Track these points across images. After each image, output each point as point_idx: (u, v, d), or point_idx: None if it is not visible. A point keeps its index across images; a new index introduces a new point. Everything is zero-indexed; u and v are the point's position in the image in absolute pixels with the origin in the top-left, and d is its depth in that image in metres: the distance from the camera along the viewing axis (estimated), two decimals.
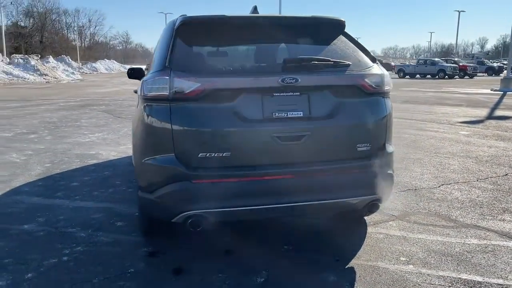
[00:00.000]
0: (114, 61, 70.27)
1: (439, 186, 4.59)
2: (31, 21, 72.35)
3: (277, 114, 2.64)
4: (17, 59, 34.58)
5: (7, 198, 4.26)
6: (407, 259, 2.91)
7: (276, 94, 2.65)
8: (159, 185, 2.63)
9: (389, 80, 2.98)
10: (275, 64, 2.78)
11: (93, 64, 61.38)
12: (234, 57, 2.94)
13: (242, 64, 2.87)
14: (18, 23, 68.49)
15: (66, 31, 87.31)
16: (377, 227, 3.46)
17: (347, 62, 2.81)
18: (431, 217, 3.70)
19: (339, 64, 2.78)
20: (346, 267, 2.81)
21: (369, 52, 3.01)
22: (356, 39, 3.13)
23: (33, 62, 34.46)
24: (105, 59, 69.06)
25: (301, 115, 2.68)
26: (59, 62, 46.94)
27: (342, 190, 2.73)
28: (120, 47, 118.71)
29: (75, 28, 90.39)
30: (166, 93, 2.57)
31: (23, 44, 62.17)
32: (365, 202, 2.85)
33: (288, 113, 2.66)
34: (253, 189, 2.61)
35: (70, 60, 56.00)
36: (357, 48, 3.02)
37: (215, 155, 2.57)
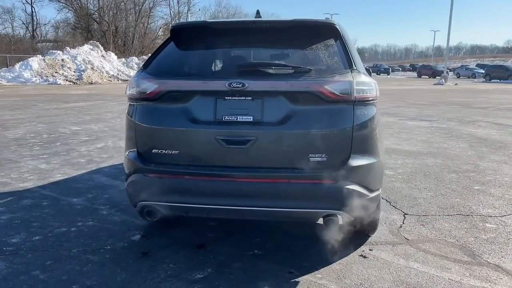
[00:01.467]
0: None
1: (502, 216, 3.88)
2: None
3: (226, 118, 2.69)
4: None
5: (87, 176, 5.12)
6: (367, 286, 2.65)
7: (228, 98, 2.70)
8: (127, 176, 2.95)
9: (368, 88, 2.73)
10: (230, 68, 2.80)
11: None
12: (202, 61, 3.03)
13: (203, 68, 2.96)
14: None
15: None
16: (372, 247, 3.17)
17: (307, 68, 2.68)
18: (450, 248, 3.20)
19: (297, 70, 2.67)
20: (292, 280, 2.70)
21: (349, 57, 2.79)
22: (347, 42, 2.93)
23: None
24: None
25: (251, 119, 2.67)
26: None
27: (288, 199, 2.63)
28: None
29: None
30: (134, 93, 2.87)
31: None
32: (318, 215, 2.69)
33: (238, 117, 2.68)
34: (195, 188, 2.71)
35: None
36: (338, 53, 2.84)
37: (165, 152, 2.77)
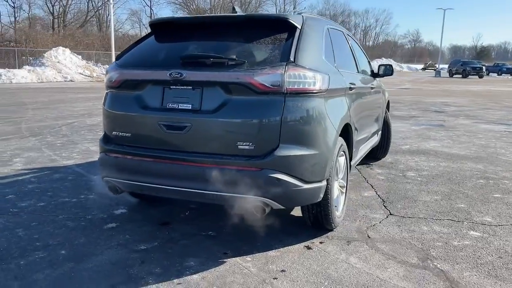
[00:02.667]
0: (391, 60, 70.76)
1: (497, 226, 3.57)
2: None
3: (170, 105, 2.95)
4: None
5: None
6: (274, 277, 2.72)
7: (173, 87, 2.95)
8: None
9: (306, 81, 2.79)
10: (176, 59, 3.00)
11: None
12: (159, 53, 3.25)
13: (157, 59, 3.19)
14: None
15: (353, 31, 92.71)
16: (325, 240, 3.18)
17: (241, 60, 2.81)
18: (407, 250, 3.08)
19: (232, 62, 2.82)
20: (220, 260, 2.87)
21: (293, 51, 2.85)
22: (302, 37, 3.00)
23: None
24: (382, 58, 70.30)
25: (190, 107, 2.89)
26: None
27: (218, 184, 2.79)
28: (408, 46, 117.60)
29: (363, 28, 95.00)
30: (105, 82, 3.27)
31: None
32: (245, 201, 2.81)
33: (179, 105, 2.92)
34: (142, 168, 3.00)
35: None
36: (283, 47, 2.92)
37: (121, 134, 3.12)
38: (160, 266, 2.77)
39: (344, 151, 3.41)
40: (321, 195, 3.00)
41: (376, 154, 5.81)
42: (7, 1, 54.64)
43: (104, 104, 3.25)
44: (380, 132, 5.44)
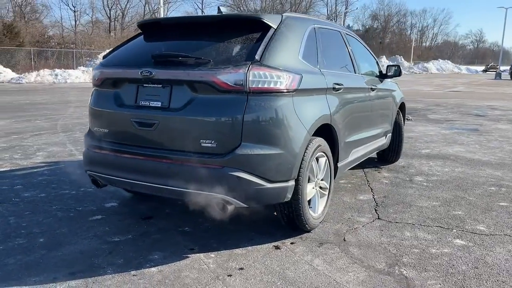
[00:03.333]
0: (449, 61, 67.97)
1: (488, 235, 3.38)
2: (375, 23, 78.63)
3: (142, 103, 3.05)
4: None
5: None
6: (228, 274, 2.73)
7: (146, 85, 3.05)
8: None
9: (271, 80, 2.80)
10: (149, 58, 3.08)
11: (425, 64, 61.57)
12: (137, 52, 3.33)
13: (135, 58, 3.27)
14: (364, 26, 75.48)
15: (409, 31, 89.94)
16: (297, 241, 3.15)
17: (207, 59, 2.85)
18: (378, 254, 3.00)
19: (198, 60, 2.87)
20: (184, 255, 2.93)
21: (261, 51, 2.86)
22: (275, 37, 3.01)
23: None
24: (439, 59, 67.77)
25: (159, 105, 2.98)
26: (390, 62, 49.94)
27: (181, 180, 2.86)
28: (471, 47, 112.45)
29: (419, 29, 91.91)
30: (92, 80, 3.43)
31: None
32: (208, 198, 2.85)
33: (151, 102, 3.02)
34: (116, 163, 3.12)
35: (402, 60, 58.14)
36: (252, 46, 2.94)
37: (101, 130, 3.26)
38: (124, 258, 2.87)
39: (324, 152, 3.37)
40: (289, 195, 2.98)
41: (387, 157, 5.65)
42: (68, 6, 57.75)
43: (89, 101, 3.41)
44: (389, 134, 5.28)
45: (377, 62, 5.09)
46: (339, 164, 3.75)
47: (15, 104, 12.72)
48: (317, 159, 3.32)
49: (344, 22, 58.95)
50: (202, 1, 60.58)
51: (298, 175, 3.03)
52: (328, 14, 63.15)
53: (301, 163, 3.03)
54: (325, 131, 3.44)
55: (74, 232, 3.28)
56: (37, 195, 4.11)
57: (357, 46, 4.62)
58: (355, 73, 4.22)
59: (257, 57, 2.82)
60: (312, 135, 3.17)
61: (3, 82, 23.60)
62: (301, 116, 2.99)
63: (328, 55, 3.75)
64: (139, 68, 2.99)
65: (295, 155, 2.95)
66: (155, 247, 3.04)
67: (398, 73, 4.93)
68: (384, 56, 49.43)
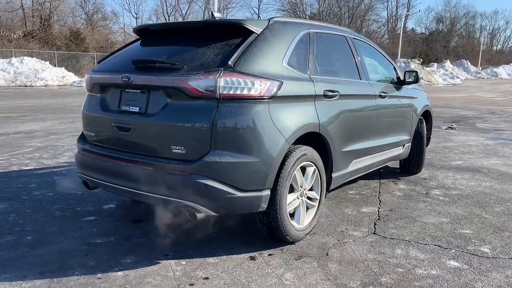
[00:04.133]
0: None
1: (491, 258, 3.09)
2: (440, 26, 75.27)
3: (124, 107, 3.10)
4: (400, 62, 37.74)
5: None
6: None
7: (127, 91, 3.10)
8: None
9: (243, 87, 2.74)
10: (130, 64, 3.10)
11: (494, 69, 58.24)
12: (125, 58, 3.35)
13: (121, 64, 3.31)
14: (428, 29, 72.54)
15: (478, 34, 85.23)
16: (276, 252, 3.06)
17: (180, 65, 2.84)
18: (357, 272, 2.83)
19: (171, 66, 2.86)
20: (155, 260, 2.93)
21: (236, 56, 2.81)
22: (255, 43, 2.96)
23: (412, 66, 36.75)
24: (511, 64, 63.68)
25: (137, 110, 3.01)
26: (455, 67, 47.73)
27: (152, 185, 2.86)
28: None
29: (490, 31, 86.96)
30: (85, 85, 3.55)
31: (425, 49, 65.70)
32: (176, 204, 2.83)
33: (130, 107, 3.06)
34: (101, 166, 3.19)
35: (469, 64, 55.30)
36: (227, 52, 2.90)
37: (89, 134, 3.35)
38: (97, 260, 2.91)
39: (312, 161, 3.24)
40: (263, 205, 2.90)
41: (408, 168, 5.36)
42: (130, 13, 60.40)
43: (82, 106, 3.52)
44: (408, 144, 5.00)
45: (394, 68, 4.84)
46: (334, 175, 3.59)
47: (67, 106, 13.47)
48: (303, 168, 3.20)
49: (404, 25, 57.07)
50: (259, 7, 61.04)
51: (276, 185, 2.93)
52: (388, 18, 61.35)
53: (279, 173, 2.94)
54: (316, 140, 3.32)
55: (62, 232, 3.38)
56: (45, 194, 4.30)
57: (367, 51, 4.42)
58: (360, 79, 4.03)
59: (230, 63, 2.76)
60: (296, 144, 3.06)
61: (65, 85, 25.13)
62: (279, 124, 2.89)
63: (324, 61, 3.61)
64: (121, 74, 3.04)
65: (270, 164, 2.85)
66: (131, 251, 3.06)
67: (415, 79, 4.68)
68: (448, 61, 47.06)
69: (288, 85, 3.00)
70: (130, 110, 3.04)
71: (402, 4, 63.22)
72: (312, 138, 3.28)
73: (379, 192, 4.65)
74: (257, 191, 2.84)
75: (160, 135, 2.86)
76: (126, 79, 2.98)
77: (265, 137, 2.82)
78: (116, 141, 3.11)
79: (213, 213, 2.82)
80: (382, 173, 5.44)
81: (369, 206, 4.17)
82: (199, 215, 2.83)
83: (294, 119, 3.04)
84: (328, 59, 3.71)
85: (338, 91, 3.52)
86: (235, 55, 2.83)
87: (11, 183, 4.65)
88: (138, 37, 3.72)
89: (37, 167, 5.43)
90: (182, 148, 2.76)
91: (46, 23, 35.24)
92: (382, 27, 60.56)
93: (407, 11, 62.45)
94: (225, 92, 2.71)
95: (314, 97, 3.27)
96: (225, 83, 2.70)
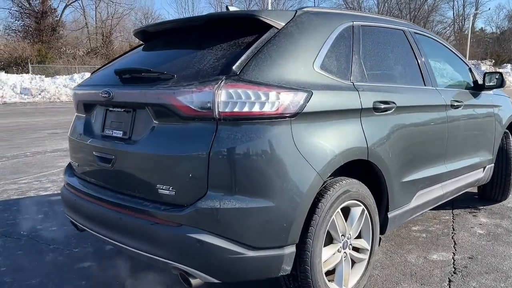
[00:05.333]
0: None
1: None
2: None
3: (107, 131, 2.40)
4: None
5: None
6: None
7: (112, 109, 2.40)
8: None
9: (255, 102, 1.94)
10: (113, 75, 2.38)
11: None
12: (116, 67, 2.65)
13: (108, 76, 2.59)
14: (499, 28, 67.57)
15: None
16: None
17: (170, 74, 2.08)
18: None
19: (160, 76, 2.11)
20: None
21: (244, 59, 2.01)
22: (273, 40, 2.16)
23: (483, 68, 34.17)
24: None
25: (120, 135, 2.29)
26: None
27: (133, 237, 2.12)
28: None
29: None
30: None
31: (497, 49, 60.94)
32: (164, 265, 2.06)
33: (113, 131, 2.35)
34: (83, 207, 2.48)
35: None
36: (234, 53, 2.12)
37: (74, 164, 2.68)
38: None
39: (360, 199, 2.36)
40: (286, 267, 2.06)
41: (490, 195, 4.26)
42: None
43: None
44: (490, 166, 3.92)
45: (470, 69, 3.80)
46: (391, 214, 2.67)
47: None
48: (346, 209, 2.33)
49: (473, 25, 53.41)
50: (315, 2, 58.55)
51: (305, 237, 2.08)
52: (454, 18, 57.79)
53: (310, 219, 2.08)
54: (364, 168, 2.44)
55: (44, 285, 2.72)
56: (48, 228, 3.72)
57: (434, 49, 3.45)
58: (424, 85, 3.07)
59: (235, 68, 1.97)
60: (335, 176, 2.21)
61: None
62: (307, 152, 2.05)
63: (374, 63, 2.72)
64: (101, 88, 2.34)
65: (294, 208, 2.01)
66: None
67: (500, 83, 3.62)
68: (509, 65, 42.99)
69: (321, 97, 2.15)
70: (113, 135, 2.33)
71: (470, 2, 59.22)
72: (358, 167, 2.40)
73: (453, 229, 3.62)
74: (276, 249, 2.00)
75: (143, 169, 2.11)
76: (106, 95, 2.27)
77: (286, 171, 1.98)
78: (98, 175, 2.42)
79: (214, 280, 2.01)
80: (455, 200, 4.36)
81: (440, 250, 3.17)
82: (195, 282, 2.03)
83: (330, 143, 2.18)
84: (379, 60, 2.81)
85: (394, 102, 2.60)
86: (243, 57, 2.02)
87: (18, 214, 4.13)
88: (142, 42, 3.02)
89: (55, 192, 4.91)
90: (171, 189, 1.99)
91: (107, 39, 36.49)
92: (448, 28, 56.99)
93: (476, 9, 58.41)
94: (227, 110, 1.91)
95: (360, 112, 2.38)
96: (227, 96, 1.91)
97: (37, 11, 32.80)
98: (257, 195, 1.93)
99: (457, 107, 3.28)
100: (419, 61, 3.09)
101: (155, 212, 2.01)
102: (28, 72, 26.10)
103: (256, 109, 1.94)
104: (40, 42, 30.84)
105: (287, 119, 2.00)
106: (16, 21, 33.37)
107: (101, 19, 39.33)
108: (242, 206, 1.91)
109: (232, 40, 2.21)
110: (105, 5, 39.37)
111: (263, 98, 1.95)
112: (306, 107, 2.05)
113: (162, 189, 2.01)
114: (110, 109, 2.38)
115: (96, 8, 40.04)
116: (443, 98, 3.15)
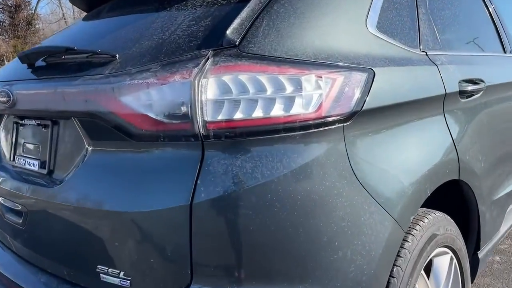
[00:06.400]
0: None
1: None
2: None
3: (18, 160, 1.42)
4: None
5: None
6: None
7: (23, 123, 1.42)
8: None
9: (265, 96, 0.96)
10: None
11: None
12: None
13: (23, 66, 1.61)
14: None
15: None
16: None
17: (109, 54, 1.10)
18: None
19: (93, 59, 1.14)
20: None
21: (236, 22, 1.04)
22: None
23: None
24: None
25: (36, 168, 1.31)
26: None
27: None
28: None
29: None
30: None
31: None
32: None
33: (26, 161, 1.37)
34: None
35: None
36: (230, 14, 1.12)
37: None
38: None
39: (449, 245, 1.42)
40: None
41: None
42: None
43: None
44: None
45: None
46: (481, 254, 1.74)
47: None
48: (429, 264, 1.39)
49: None
50: None
51: None
52: None
53: None
54: (450, 193, 1.52)
55: None
56: None
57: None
58: (504, 52, 2.12)
59: (230, 35, 1.00)
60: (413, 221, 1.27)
61: None
62: (376, 185, 1.08)
63: (448, 22, 1.75)
64: (1, 87, 1.35)
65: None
66: None
67: None
68: None
69: (387, 78, 1.19)
70: (26, 166, 1.34)
71: None
72: (441, 191, 1.44)
73: None
74: None
75: (72, 235, 1.15)
76: (4, 99, 1.29)
77: (340, 226, 1.03)
78: (10, 238, 1.43)
79: None
80: None
81: None
82: None
83: (408, 162, 1.21)
84: (453, 19, 1.84)
85: (482, 81, 1.64)
86: (244, 15, 1.04)
87: None
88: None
89: None
90: (122, 275, 1.03)
91: None
92: None
93: None
94: (220, 119, 0.95)
95: (443, 100, 1.41)
96: (220, 90, 0.95)
97: (10, 5, 31.15)
98: (285, 279, 0.98)
99: None
100: (494, 19, 2.13)
101: None
102: None
103: (277, 112, 0.96)
104: (15, 38, 29.34)
105: (336, 125, 1.03)
106: None
107: (79, 9, 37.67)
108: None
109: None
110: None
111: (290, 89, 0.98)
112: (368, 99, 1.08)
113: (106, 274, 1.05)
114: (21, 122, 1.39)
115: None
116: None
